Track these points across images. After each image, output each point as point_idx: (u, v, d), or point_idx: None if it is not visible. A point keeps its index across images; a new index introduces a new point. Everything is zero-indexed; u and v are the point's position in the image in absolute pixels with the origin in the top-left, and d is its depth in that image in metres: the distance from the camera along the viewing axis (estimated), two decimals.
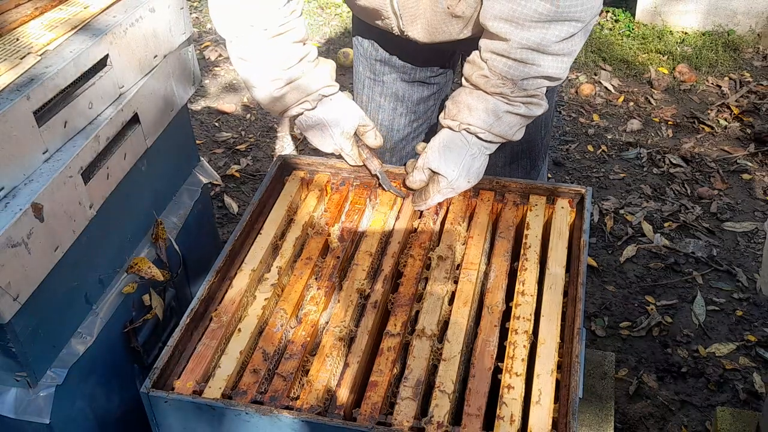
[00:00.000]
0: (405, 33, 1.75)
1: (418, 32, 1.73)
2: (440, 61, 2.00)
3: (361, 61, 2.04)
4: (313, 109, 1.71)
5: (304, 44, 1.69)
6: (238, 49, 1.65)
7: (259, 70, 1.65)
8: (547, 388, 1.31)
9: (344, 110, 1.73)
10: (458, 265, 1.59)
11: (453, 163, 1.62)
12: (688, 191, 3.31)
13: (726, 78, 4.08)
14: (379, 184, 1.75)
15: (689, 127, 3.75)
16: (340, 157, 1.78)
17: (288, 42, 1.64)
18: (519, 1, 1.44)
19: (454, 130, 1.63)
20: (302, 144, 3.61)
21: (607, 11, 4.71)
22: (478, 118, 1.58)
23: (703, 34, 4.41)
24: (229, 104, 3.97)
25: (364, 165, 1.76)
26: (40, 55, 1.50)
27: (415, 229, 1.67)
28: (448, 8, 1.63)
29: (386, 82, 2.02)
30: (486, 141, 1.62)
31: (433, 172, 1.65)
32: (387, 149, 2.11)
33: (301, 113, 1.72)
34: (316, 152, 1.83)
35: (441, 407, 1.29)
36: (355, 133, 1.75)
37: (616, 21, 4.62)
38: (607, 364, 2.25)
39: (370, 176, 1.78)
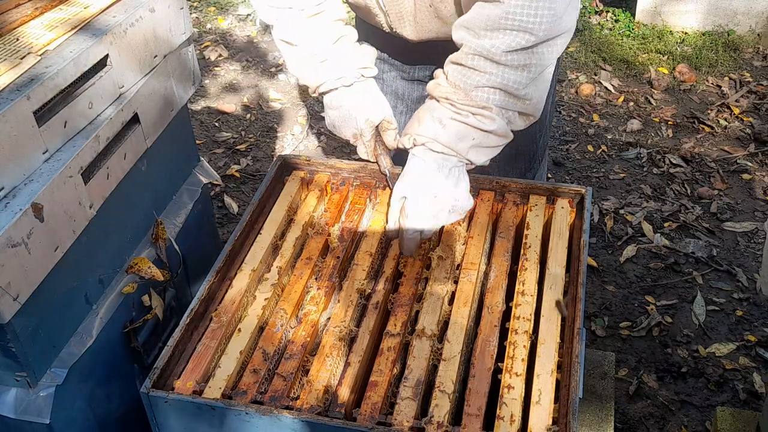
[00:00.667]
0: (394, 30, 1.76)
1: (406, 30, 1.74)
2: (437, 61, 2.00)
3: None
4: (349, 86, 1.72)
5: (345, 24, 1.72)
6: (280, 32, 1.69)
7: (300, 49, 1.69)
8: (547, 388, 1.31)
9: (376, 99, 1.74)
10: (458, 265, 1.59)
11: (412, 184, 1.58)
12: (688, 191, 3.31)
13: (726, 78, 4.08)
14: (385, 184, 1.75)
15: (689, 127, 3.75)
16: (353, 149, 1.77)
17: (326, 21, 1.68)
18: (476, 9, 1.47)
19: (408, 149, 1.60)
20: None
21: (607, 11, 4.71)
22: (425, 127, 1.56)
23: (703, 34, 4.40)
24: (229, 104, 3.97)
25: (376, 160, 1.76)
26: (40, 55, 1.50)
27: None
28: (431, 5, 1.64)
29: (386, 80, 2.03)
30: (438, 153, 1.56)
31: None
32: None
33: (336, 88, 1.73)
34: (316, 152, 1.83)
35: (441, 407, 1.29)
36: (376, 127, 1.75)
37: (616, 21, 4.62)
38: (607, 364, 2.25)
39: (371, 176, 1.78)
